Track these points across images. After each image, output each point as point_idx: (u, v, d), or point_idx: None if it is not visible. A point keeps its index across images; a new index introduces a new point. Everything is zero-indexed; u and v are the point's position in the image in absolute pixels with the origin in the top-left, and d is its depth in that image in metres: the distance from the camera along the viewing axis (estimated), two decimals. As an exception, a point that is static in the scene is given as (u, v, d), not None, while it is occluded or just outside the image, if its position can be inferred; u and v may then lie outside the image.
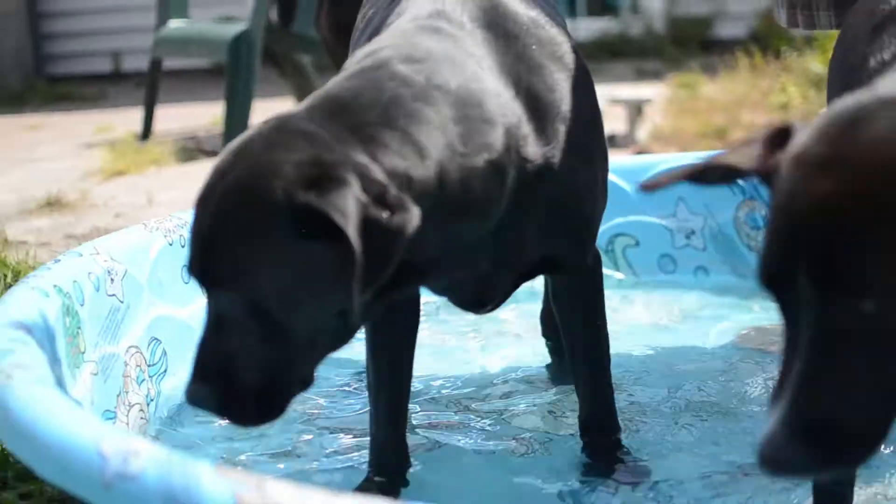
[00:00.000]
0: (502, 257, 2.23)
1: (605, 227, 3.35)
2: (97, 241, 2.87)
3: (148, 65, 7.99)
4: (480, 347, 3.36)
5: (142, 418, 2.74)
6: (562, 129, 2.23)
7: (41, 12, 13.50)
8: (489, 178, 2.07)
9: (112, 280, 2.76)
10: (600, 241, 3.09)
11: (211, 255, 1.91)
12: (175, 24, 7.88)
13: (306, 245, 1.84)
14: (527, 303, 3.53)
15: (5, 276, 3.95)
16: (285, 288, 1.87)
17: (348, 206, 1.79)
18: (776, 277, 1.53)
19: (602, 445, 2.57)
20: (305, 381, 2.01)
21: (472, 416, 2.84)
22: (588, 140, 2.31)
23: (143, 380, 2.81)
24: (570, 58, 2.30)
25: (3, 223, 5.29)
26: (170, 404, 2.88)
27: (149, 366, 2.86)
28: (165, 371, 2.93)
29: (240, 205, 1.87)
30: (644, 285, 3.82)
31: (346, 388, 3.07)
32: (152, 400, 2.83)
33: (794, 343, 1.52)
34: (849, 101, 1.54)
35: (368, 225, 1.80)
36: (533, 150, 2.17)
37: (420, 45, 2.11)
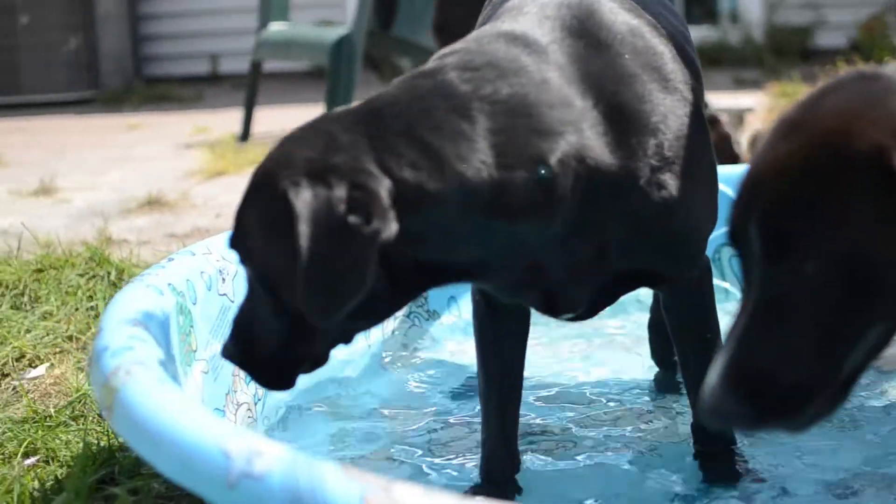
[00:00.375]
0: (575, 268, 2.22)
1: (712, 236, 3.30)
2: (209, 241, 2.88)
3: (249, 67, 8.03)
4: (587, 356, 3.33)
5: (249, 417, 2.75)
6: (650, 142, 2.18)
7: (141, 15, 13.65)
8: (532, 189, 2.07)
9: (223, 279, 2.77)
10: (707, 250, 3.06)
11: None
12: (276, 27, 7.92)
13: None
14: (635, 313, 3.50)
15: (109, 273, 3.98)
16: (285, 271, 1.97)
17: (298, 205, 1.91)
18: (734, 234, 1.59)
19: (716, 454, 2.53)
20: (317, 361, 2.16)
21: (579, 423, 2.82)
22: (685, 153, 2.22)
23: (251, 379, 2.82)
24: (669, 68, 2.26)
25: (105, 221, 5.33)
26: (276, 404, 2.89)
27: (257, 365, 2.86)
28: (274, 371, 2.93)
29: (249, 187, 2.06)
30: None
31: (458, 391, 3.07)
32: (259, 399, 2.84)
33: (746, 299, 1.58)
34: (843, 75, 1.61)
35: (337, 228, 1.91)
36: (606, 161, 2.13)
37: (487, 51, 2.15)
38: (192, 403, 1.75)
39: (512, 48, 2.15)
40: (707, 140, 2.34)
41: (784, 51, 11.78)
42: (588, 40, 2.20)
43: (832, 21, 12.03)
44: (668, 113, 2.21)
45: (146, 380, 1.86)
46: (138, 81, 13.05)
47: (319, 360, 2.17)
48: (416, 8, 7.51)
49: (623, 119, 2.16)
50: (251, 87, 8.04)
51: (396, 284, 2.07)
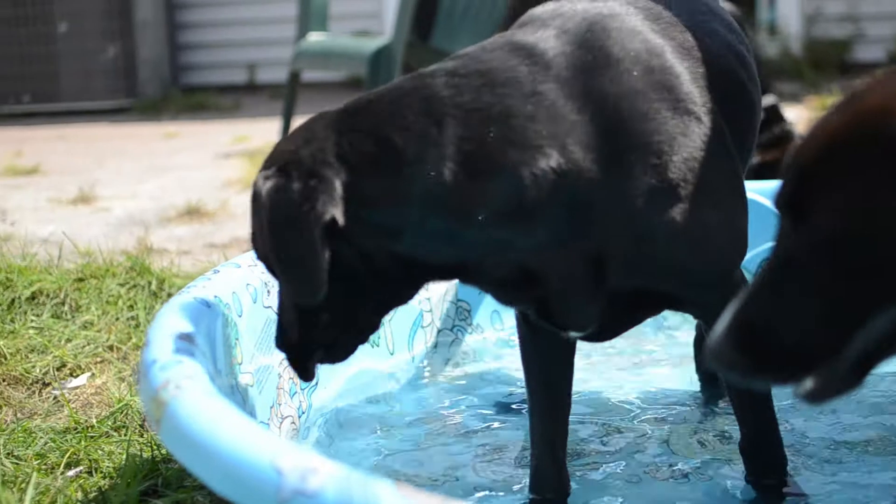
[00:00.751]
0: (570, 280, 2.21)
1: (756, 251, 3.28)
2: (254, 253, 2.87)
3: (287, 76, 8.03)
4: (632, 373, 3.31)
5: (293, 431, 2.74)
6: (651, 161, 2.14)
7: (179, 23, 13.70)
8: (501, 198, 2.10)
9: (269, 292, 2.76)
10: (747, 265, 3.03)
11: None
12: (315, 38, 7.91)
13: None
14: (679, 330, 3.48)
15: (150, 283, 3.98)
16: None
17: (263, 195, 2.08)
18: (777, 200, 1.64)
19: (764, 473, 2.50)
20: (332, 352, 2.30)
21: (625, 441, 2.79)
22: (695, 176, 2.17)
23: (296, 392, 2.81)
24: (685, 89, 2.20)
25: (145, 230, 5.34)
26: (321, 417, 2.87)
27: (301, 378, 2.85)
28: (317, 383, 2.92)
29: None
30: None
31: (503, 404, 3.05)
32: (303, 413, 2.82)
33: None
34: None
35: (289, 214, 2.06)
36: (594, 177, 2.12)
37: (483, 59, 2.18)
38: (244, 418, 1.73)
39: (511, 59, 2.17)
40: (729, 166, 2.26)
41: (823, 64, 11.72)
42: (599, 56, 2.18)
43: (871, 34, 11.97)
44: (677, 134, 2.16)
45: (196, 394, 1.85)
46: (175, 90, 13.09)
47: (336, 352, 2.29)
48: (454, 20, 7.50)
49: (622, 137, 2.14)
50: (289, 97, 8.04)
51: (383, 275, 2.16)
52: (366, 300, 2.20)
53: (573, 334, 2.36)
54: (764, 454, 2.50)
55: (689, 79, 2.23)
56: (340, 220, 2.06)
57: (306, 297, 2.12)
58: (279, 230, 2.07)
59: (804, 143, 1.62)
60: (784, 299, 1.59)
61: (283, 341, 2.27)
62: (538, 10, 2.35)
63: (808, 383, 1.62)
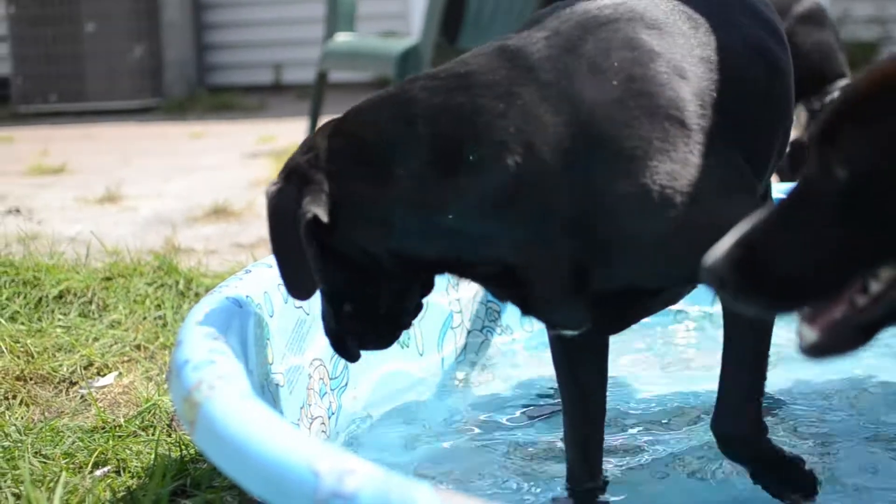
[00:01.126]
0: (549, 277, 2.22)
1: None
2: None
3: (315, 76, 8.02)
4: (663, 373, 3.28)
5: (323, 432, 2.72)
6: (623, 166, 2.13)
7: (205, 24, 13.71)
8: (466, 194, 2.17)
9: (300, 292, 2.74)
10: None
11: None
12: (343, 38, 7.91)
13: None
14: (711, 331, 3.47)
15: (177, 282, 3.97)
16: None
17: (268, 200, 2.26)
18: (809, 141, 1.68)
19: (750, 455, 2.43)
20: (362, 340, 2.40)
21: (658, 440, 2.78)
22: (672, 183, 2.15)
23: (325, 393, 2.80)
24: (670, 95, 2.19)
25: (171, 229, 5.34)
26: (350, 418, 2.86)
27: (331, 379, 2.83)
28: (346, 384, 2.91)
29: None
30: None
31: (533, 404, 3.03)
32: (333, 413, 2.81)
33: None
34: None
35: (284, 215, 2.23)
36: (560, 178, 2.14)
37: (468, 62, 2.26)
38: (279, 420, 1.71)
39: (495, 61, 2.23)
40: (717, 174, 2.21)
41: (850, 66, 11.65)
42: (583, 62, 2.20)
43: (900, 37, 11.93)
44: (653, 139, 2.15)
45: (230, 395, 1.83)
46: (202, 90, 13.10)
47: (368, 340, 2.40)
48: (483, 21, 7.49)
49: (594, 141, 2.15)
50: (316, 97, 8.03)
51: (382, 269, 2.26)
52: (376, 292, 2.31)
53: (567, 332, 2.35)
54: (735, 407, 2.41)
55: (677, 85, 2.21)
56: (324, 217, 2.19)
57: (294, 291, 2.30)
58: (272, 229, 2.27)
59: (839, 96, 1.67)
60: (795, 229, 1.64)
61: (325, 328, 2.40)
62: (544, 11, 2.38)
63: (811, 336, 1.65)
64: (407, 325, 2.42)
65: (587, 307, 2.26)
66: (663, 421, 2.90)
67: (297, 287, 2.29)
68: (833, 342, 1.65)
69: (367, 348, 2.44)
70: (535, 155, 2.14)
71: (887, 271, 1.61)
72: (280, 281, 2.65)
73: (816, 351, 1.66)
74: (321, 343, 2.81)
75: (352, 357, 2.45)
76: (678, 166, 2.16)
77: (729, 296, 1.66)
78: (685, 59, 2.26)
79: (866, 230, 1.59)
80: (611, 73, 2.19)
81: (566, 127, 2.14)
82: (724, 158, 2.23)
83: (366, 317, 2.34)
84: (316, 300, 2.39)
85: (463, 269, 2.29)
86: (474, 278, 2.33)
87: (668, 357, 3.44)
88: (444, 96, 2.20)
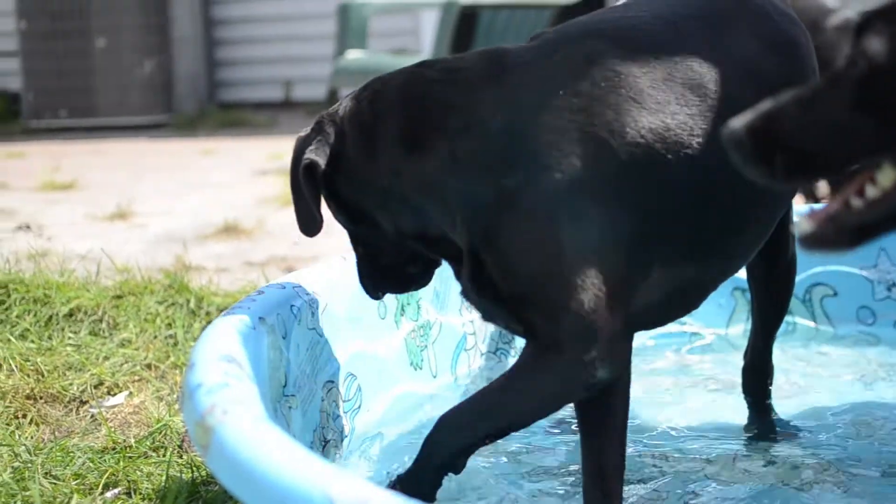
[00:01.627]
0: (459, 272, 2.43)
1: (803, 275, 3.25)
2: (299, 274, 2.84)
3: (326, 94, 8.03)
4: (675, 399, 3.25)
5: (336, 455, 2.70)
6: (517, 175, 2.24)
7: (216, 39, 13.72)
8: (410, 176, 2.39)
9: (313, 314, 2.72)
10: (798, 291, 2.98)
11: None
12: (354, 55, 7.91)
13: None
14: (723, 352, 3.44)
15: (188, 301, 3.95)
16: None
17: (295, 146, 2.51)
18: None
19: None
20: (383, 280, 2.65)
21: (669, 467, 2.74)
22: (557, 198, 2.21)
23: (339, 416, 2.77)
24: (607, 118, 2.23)
25: (182, 247, 5.32)
26: (363, 441, 2.84)
27: (344, 401, 2.81)
28: (360, 407, 2.88)
29: None
30: (841, 338, 3.69)
31: (550, 430, 2.99)
32: (346, 436, 2.78)
33: None
34: None
35: (297, 159, 2.49)
36: (471, 173, 2.30)
37: (461, 58, 2.47)
38: (294, 445, 1.69)
39: (479, 63, 2.40)
40: (603, 195, 2.24)
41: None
42: (543, 73, 2.32)
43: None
44: (570, 155, 2.22)
45: (245, 419, 1.81)
46: (212, 106, 13.10)
47: (379, 282, 2.63)
48: (493, 39, 7.49)
49: (517, 144, 2.27)
50: (327, 115, 8.03)
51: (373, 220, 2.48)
52: (377, 243, 2.54)
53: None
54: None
55: (623, 109, 2.24)
56: (321, 163, 2.43)
57: (300, 226, 2.54)
58: (291, 169, 2.50)
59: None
60: (812, 108, 1.74)
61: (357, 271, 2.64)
62: (558, 26, 2.52)
63: (808, 226, 1.76)
64: (417, 281, 2.65)
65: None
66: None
67: (302, 223, 2.53)
68: (825, 236, 1.76)
69: (383, 290, 2.65)
70: (462, 147, 2.31)
71: (886, 177, 1.71)
72: (292, 302, 2.66)
73: (809, 242, 1.76)
74: (334, 365, 2.80)
75: (372, 295, 2.65)
76: (574, 186, 2.22)
77: (741, 159, 1.76)
78: (652, 84, 2.28)
79: (873, 120, 1.69)
80: (559, 87, 2.27)
81: (501, 127, 2.29)
82: (597, 215, 2.23)
83: (373, 262, 2.57)
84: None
85: (430, 244, 2.47)
86: (445, 257, 2.50)
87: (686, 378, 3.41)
88: (423, 87, 2.41)
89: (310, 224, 2.50)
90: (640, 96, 2.25)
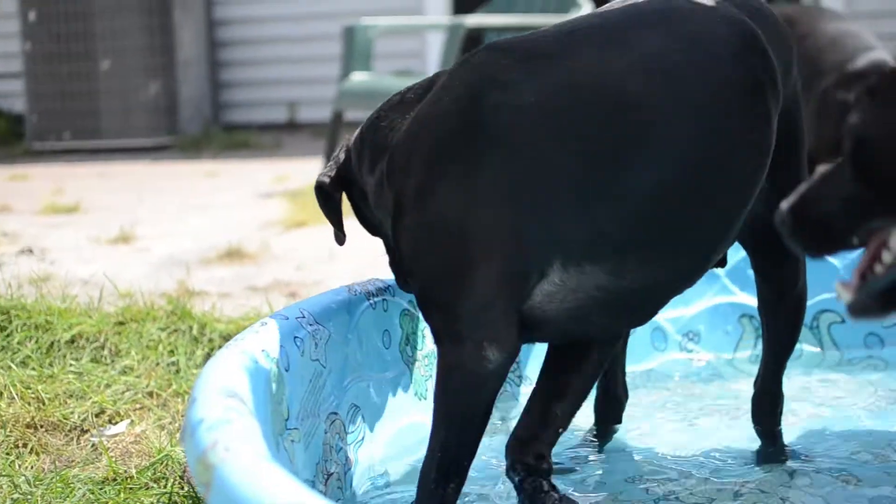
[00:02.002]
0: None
1: (811, 302, 3.21)
2: (302, 304, 2.80)
3: (330, 116, 8.01)
4: (686, 426, 3.22)
5: (339, 488, 2.67)
6: (416, 183, 2.41)
7: (220, 61, 13.71)
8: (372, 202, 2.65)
9: (316, 345, 2.69)
10: (805, 317, 2.96)
11: None
12: (359, 77, 7.90)
13: None
14: (731, 379, 3.41)
15: (191, 327, 3.92)
16: None
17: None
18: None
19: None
20: None
21: (674, 497, 2.71)
22: (459, 203, 2.33)
23: (342, 448, 2.74)
24: (534, 133, 2.31)
25: (185, 271, 5.29)
26: (367, 474, 2.81)
27: (347, 433, 2.78)
28: (363, 439, 2.85)
29: None
30: (848, 363, 3.67)
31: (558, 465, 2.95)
32: (349, 469, 2.75)
33: None
34: None
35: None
36: (400, 167, 2.47)
37: (426, 79, 2.65)
38: (297, 485, 1.66)
39: (423, 83, 2.61)
40: (499, 214, 2.31)
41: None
42: (501, 79, 2.37)
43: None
44: (441, 158, 2.36)
45: (247, 458, 1.77)
46: (216, 128, 13.08)
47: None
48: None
49: (410, 155, 2.45)
50: (332, 137, 8.01)
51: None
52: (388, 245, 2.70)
53: None
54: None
55: (563, 123, 2.31)
56: (327, 182, 2.67)
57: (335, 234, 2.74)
58: None
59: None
60: (831, 182, 1.92)
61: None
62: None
63: (846, 297, 1.93)
64: None
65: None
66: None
67: (335, 232, 2.75)
68: (859, 305, 1.92)
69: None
70: (384, 165, 2.52)
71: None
72: (296, 333, 2.64)
73: (851, 311, 1.94)
74: (337, 396, 2.77)
75: (406, 289, 2.79)
76: (475, 194, 2.31)
77: (786, 237, 1.96)
78: (541, 87, 2.35)
79: (873, 192, 1.86)
80: (511, 99, 2.34)
81: (401, 140, 2.51)
82: (514, 202, 2.30)
83: (399, 265, 2.66)
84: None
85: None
86: None
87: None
88: (388, 108, 2.64)
89: (336, 236, 2.74)
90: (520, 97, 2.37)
